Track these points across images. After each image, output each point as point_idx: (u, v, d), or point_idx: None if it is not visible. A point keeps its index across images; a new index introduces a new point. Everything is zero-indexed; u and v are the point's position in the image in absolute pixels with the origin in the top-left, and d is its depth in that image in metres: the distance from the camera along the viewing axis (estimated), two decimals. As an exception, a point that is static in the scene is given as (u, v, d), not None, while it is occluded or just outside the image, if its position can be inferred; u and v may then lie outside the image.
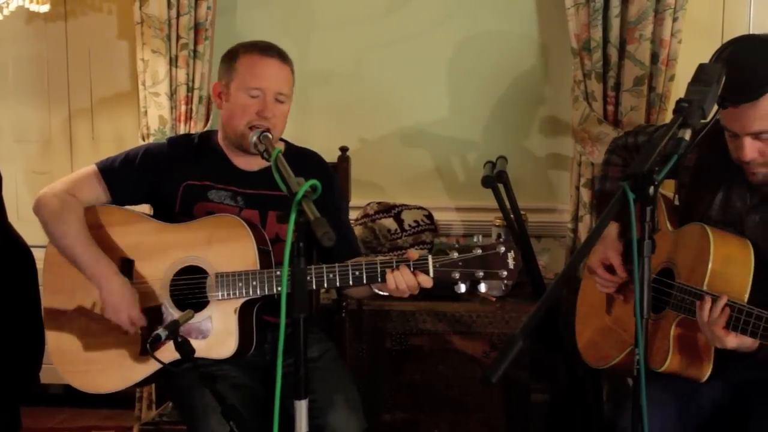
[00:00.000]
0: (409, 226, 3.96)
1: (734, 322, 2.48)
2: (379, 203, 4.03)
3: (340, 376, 2.98)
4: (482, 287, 2.68)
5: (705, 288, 2.59)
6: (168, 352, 2.63)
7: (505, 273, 2.66)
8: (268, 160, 2.44)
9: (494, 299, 3.64)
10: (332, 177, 3.21)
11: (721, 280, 2.58)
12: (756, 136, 2.50)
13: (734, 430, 2.66)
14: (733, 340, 2.49)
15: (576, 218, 3.95)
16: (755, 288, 2.56)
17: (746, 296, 2.54)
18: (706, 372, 2.64)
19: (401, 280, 2.69)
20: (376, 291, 2.98)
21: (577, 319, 3.19)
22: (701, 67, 2.24)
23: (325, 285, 2.78)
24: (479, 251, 2.66)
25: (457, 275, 2.66)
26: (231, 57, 3.01)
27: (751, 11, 3.96)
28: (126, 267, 2.93)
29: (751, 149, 2.52)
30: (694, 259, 2.68)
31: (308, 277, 2.75)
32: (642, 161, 1.98)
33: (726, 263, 2.61)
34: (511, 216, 3.54)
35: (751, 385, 2.73)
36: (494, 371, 1.71)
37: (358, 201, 3.91)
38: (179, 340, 2.53)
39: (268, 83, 2.92)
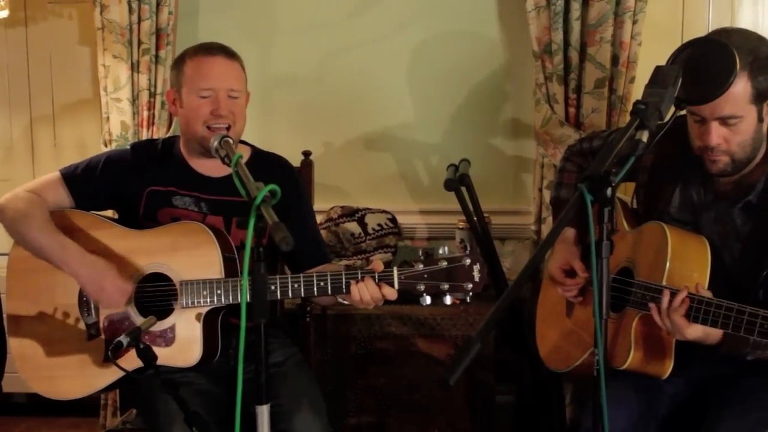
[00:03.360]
0: (373, 229, 3.96)
1: (694, 312, 2.52)
2: (342, 207, 4.03)
3: (305, 380, 2.98)
4: (447, 299, 2.68)
5: (665, 284, 2.63)
6: (132, 359, 2.61)
7: (471, 286, 2.66)
8: (229, 165, 2.43)
9: (458, 302, 3.64)
10: (299, 182, 3.21)
11: (679, 277, 2.62)
12: (723, 121, 2.55)
13: (694, 426, 2.69)
14: (693, 331, 2.53)
15: (539, 220, 3.97)
16: (712, 284, 2.60)
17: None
18: (668, 368, 2.68)
19: (366, 292, 2.69)
20: (341, 301, 2.98)
21: (538, 326, 3.21)
22: (658, 70, 2.27)
23: (290, 295, 2.78)
24: (445, 263, 2.66)
25: (422, 287, 2.66)
26: (179, 63, 3.01)
27: (709, 13, 4.00)
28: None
29: (716, 134, 2.57)
30: (652, 258, 2.71)
31: (272, 287, 2.75)
32: (599, 163, 2.00)
33: (684, 260, 2.65)
34: (474, 219, 3.55)
35: (712, 381, 2.76)
36: (452, 373, 1.72)
37: (322, 205, 3.90)
38: (141, 346, 2.52)
39: (216, 82, 2.92)
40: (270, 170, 3.05)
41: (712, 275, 2.62)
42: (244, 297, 2.01)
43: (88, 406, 3.95)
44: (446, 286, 2.66)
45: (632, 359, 2.70)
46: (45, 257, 2.87)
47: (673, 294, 2.55)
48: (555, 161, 3.81)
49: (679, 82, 2.23)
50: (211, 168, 3.00)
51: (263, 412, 2.08)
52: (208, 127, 2.90)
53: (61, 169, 3.06)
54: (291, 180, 3.13)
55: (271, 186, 2.05)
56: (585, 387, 3.74)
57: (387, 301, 2.74)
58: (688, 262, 2.65)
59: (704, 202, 2.76)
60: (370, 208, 4.03)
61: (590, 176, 1.97)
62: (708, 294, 2.54)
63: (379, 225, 3.98)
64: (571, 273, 2.95)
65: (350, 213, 4.00)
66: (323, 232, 3.90)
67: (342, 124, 4.25)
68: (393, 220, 4.04)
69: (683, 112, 2.62)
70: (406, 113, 4.23)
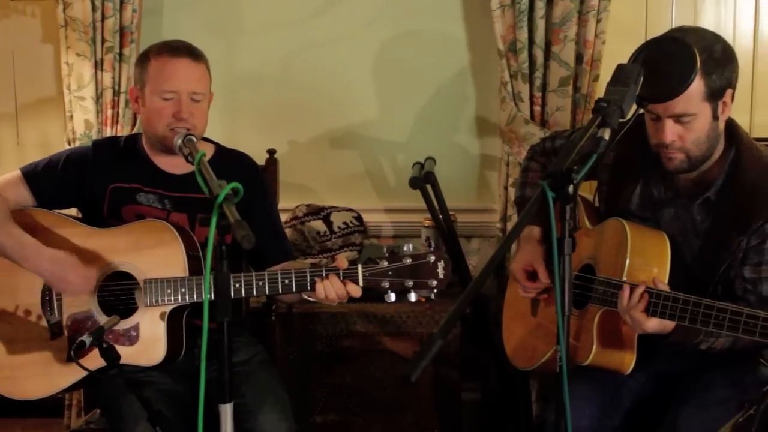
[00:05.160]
0: (339, 228, 3.96)
1: (653, 307, 2.56)
2: (308, 205, 4.02)
3: (269, 378, 2.98)
4: (412, 296, 2.69)
5: (624, 280, 2.65)
6: (95, 359, 2.60)
7: (435, 282, 2.68)
8: (192, 163, 2.42)
9: (424, 300, 3.65)
10: (263, 178, 3.21)
11: (639, 272, 2.66)
12: (677, 119, 2.58)
13: (657, 420, 2.72)
14: (652, 325, 2.57)
15: (505, 218, 3.98)
16: (672, 279, 2.64)
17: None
18: (630, 363, 2.71)
19: (330, 289, 2.69)
20: (306, 298, 2.98)
21: (504, 323, 3.23)
22: (620, 68, 2.28)
23: (255, 293, 2.78)
24: (409, 260, 2.67)
25: (386, 284, 2.68)
26: (143, 60, 2.99)
27: (673, 13, 4.03)
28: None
29: (671, 131, 2.60)
30: (613, 254, 2.75)
31: (237, 285, 2.75)
32: (561, 160, 2.00)
33: (643, 256, 2.69)
34: (440, 217, 3.56)
35: (674, 376, 2.80)
36: (413, 370, 1.72)
37: (287, 203, 3.90)
38: (104, 346, 2.51)
39: (180, 85, 2.91)
40: (233, 167, 3.05)
41: (672, 271, 2.66)
42: (206, 295, 2.01)
43: (52, 407, 3.92)
44: (411, 283, 2.67)
45: (595, 355, 2.73)
46: (4, 255, 2.84)
47: (632, 289, 2.58)
48: (520, 159, 3.82)
49: (641, 81, 2.25)
50: (175, 165, 2.99)
51: (226, 411, 2.08)
52: (171, 129, 2.89)
53: (22, 168, 3.04)
54: (255, 177, 3.13)
55: (234, 184, 2.05)
56: (550, 384, 3.75)
57: (352, 299, 2.75)
58: (647, 258, 2.69)
59: (664, 199, 2.80)
60: (336, 207, 4.03)
61: (552, 174, 1.98)
62: (665, 287, 2.57)
63: (344, 223, 3.98)
64: (533, 275, 2.97)
65: (316, 211, 3.99)
66: (289, 231, 3.90)
67: (307, 122, 4.24)
68: (359, 218, 4.04)
69: (644, 110, 2.64)
70: (372, 111, 4.23)
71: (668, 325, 2.58)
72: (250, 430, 2.77)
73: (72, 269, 2.80)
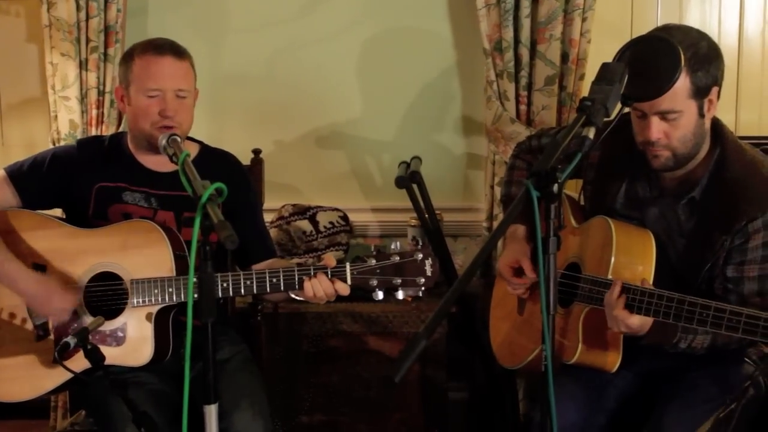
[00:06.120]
0: (325, 227, 3.96)
1: (637, 303, 2.56)
2: (294, 205, 4.01)
3: (247, 378, 2.97)
4: (399, 294, 2.70)
5: (610, 278, 2.66)
6: (81, 360, 2.60)
7: (423, 280, 2.69)
8: (176, 163, 2.42)
9: (410, 299, 3.65)
10: (247, 177, 3.21)
11: (625, 270, 2.66)
12: (663, 116, 2.58)
13: (643, 419, 2.72)
14: (633, 322, 2.57)
15: (491, 217, 3.98)
16: (657, 278, 2.64)
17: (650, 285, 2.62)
18: (616, 362, 2.71)
19: (319, 288, 2.70)
20: (293, 296, 2.97)
21: (491, 322, 3.23)
22: (604, 67, 2.28)
23: (242, 292, 2.78)
24: (397, 258, 2.68)
25: (374, 282, 2.69)
26: (127, 59, 2.99)
27: (658, 11, 4.05)
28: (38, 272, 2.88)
29: (657, 129, 2.60)
30: (599, 252, 2.75)
31: (224, 284, 2.75)
32: (546, 159, 2.00)
33: (629, 254, 2.69)
34: (426, 216, 3.56)
35: (659, 374, 2.81)
36: (397, 370, 1.72)
37: (273, 203, 3.89)
38: (89, 347, 2.50)
39: (164, 82, 2.90)
40: (218, 167, 3.05)
41: (658, 270, 2.66)
42: (190, 295, 2.00)
43: (37, 409, 3.91)
44: (398, 281, 2.68)
45: (580, 353, 2.73)
46: None
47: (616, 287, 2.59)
48: (506, 158, 3.82)
49: (626, 79, 2.25)
50: (160, 163, 2.98)
51: (211, 412, 2.07)
52: (157, 127, 2.88)
53: (6, 168, 3.02)
54: (239, 176, 3.14)
55: (217, 184, 2.05)
56: (537, 382, 3.76)
57: (339, 298, 2.76)
58: (633, 256, 2.69)
59: (650, 198, 2.80)
60: (322, 206, 4.02)
61: (537, 173, 1.98)
62: (650, 286, 2.57)
63: (330, 223, 3.98)
64: (519, 271, 2.97)
65: (302, 211, 3.99)
66: (275, 231, 3.89)
67: (293, 121, 4.23)
68: (345, 218, 4.04)
69: (629, 109, 2.65)
70: (358, 111, 4.23)
71: (648, 321, 2.58)
72: (225, 429, 2.75)
73: (56, 295, 2.81)
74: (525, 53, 3.79)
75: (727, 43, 3.99)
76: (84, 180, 3.00)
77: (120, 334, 2.82)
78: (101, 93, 3.97)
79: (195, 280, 2.02)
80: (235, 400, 2.82)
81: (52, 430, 4.01)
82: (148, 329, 2.81)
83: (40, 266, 2.88)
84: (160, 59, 2.93)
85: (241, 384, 2.91)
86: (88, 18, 3.91)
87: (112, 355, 2.73)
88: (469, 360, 3.84)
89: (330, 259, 2.73)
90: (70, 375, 2.74)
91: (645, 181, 2.80)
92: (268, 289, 2.76)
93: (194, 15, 4.21)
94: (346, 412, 3.70)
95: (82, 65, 3.96)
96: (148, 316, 2.81)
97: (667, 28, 2.64)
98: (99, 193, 2.99)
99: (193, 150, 3.06)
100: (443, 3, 4.12)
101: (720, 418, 2.28)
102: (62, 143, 3.93)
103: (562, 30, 3.77)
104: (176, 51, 2.96)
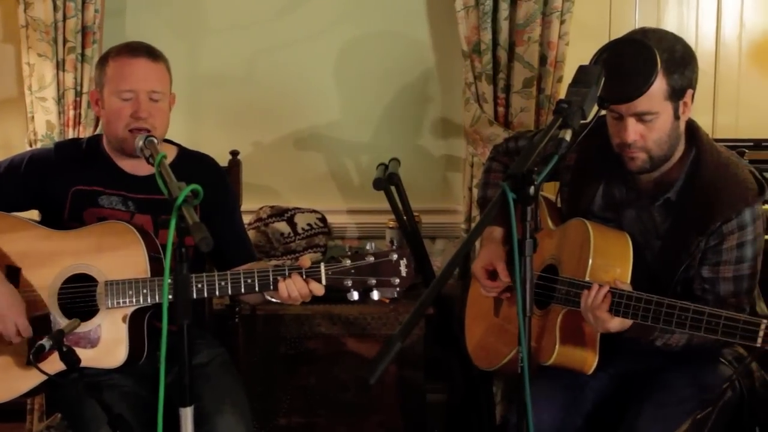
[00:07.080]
0: (303, 229, 3.95)
1: (616, 306, 2.57)
2: (272, 207, 4.01)
3: (228, 381, 2.96)
4: (375, 295, 2.70)
5: (587, 280, 2.66)
6: (56, 362, 2.58)
7: (398, 281, 2.69)
8: (153, 165, 2.41)
9: (388, 301, 3.65)
10: (225, 180, 3.20)
11: (602, 272, 2.67)
12: (639, 117, 2.60)
13: (618, 420, 2.73)
14: (615, 324, 2.59)
15: (469, 219, 3.99)
16: (634, 279, 2.66)
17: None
18: (592, 363, 2.72)
19: (293, 288, 2.69)
20: (269, 298, 2.96)
21: (467, 324, 3.23)
22: (581, 69, 2.29)
23: (217, 293, 2.77)
24: (372, 259, 2.68)
25: (349, 283, 2.68)
26: (102, 63, 2.98)
27: (636, 14, 4.06)
28: (12, 275, 2.86)
29: (633, 131, 2.61)
30: (576, 254, 2.76)
31: (199, 285, 2.74)
32: (522, 162, 2.00)
33: (606, 256, 2.70)
34: (404, 218, 3.56)
35: (635, 376, 2.82)
36: (372, 373, 1.71)
37: (251, 205, 3.89)
38: (64, 349, 2.49)
39: (138, 84, 2.89)
40: (196, 169, 3.04)
41: (634, 271, 2.68)
42: (165, 297, 1.99)
43: (14, 411, 3.88)
44: (373, 281, 2.68)
45: (557, 355, 2.74)
46: None
47: (597, 289, 2.60)
48: (484, 160, 3.82)
49: (602, 81, 2.26)
50: (138, 166, 2.97)
51: (187, 415, 2.07)
52: (130, 130, 2.87)
53: (-19, 170, 3.01)
54: (217, 178, 3.12)
55: (193, 186, 2.04)
56: (514, 385, 3.76)
57: (316, 299, 2.75)
58: (610, 258, 2.70)
59: (626, 199, 2.81)
60: (300, 208, 4.02)
61: (513, 175, 1.98)
62: (628, 287, 2.59)
63: (308, 225, 3.97)
64: (493, 274, 2.97)
65: (279, 213, 3.98)
66: (252, 232, 3.89)
67: (271, 123, 4.23)
68: (323, 219, 4.03)
69: (605, 112, 2.66)
70: (336, 112, 4.22)
71: (628, 323, 2.60)
72: None
73: (14, 316, 2.78)
74: (503, 55, 3.80)
75: (704, 46, 4.01)
76: (60, 183, 2.98)
77: (94, 335, 2.80)
78: (78, 94, 3.95)
79: (170, 281, 2.01)
80: (218, 403, 2.81)
81: (28, 433, 3.98)
82: (123, 331, 2.79)
83: (14, 268, 2.86)
84: (134, 61, 2.92)
85: (222, 388, 2.90)
86: (65, 18, 3.89)
87: (87, 356, 2.71)
88: (446, 361, 3.84)
89: (305, 260, 2.73)
90: (43, 377, 2.72)
91: (621, 183, 2.82)
92: (242, 290, 2.75)
93: (172, 15, 4.20)
94: (324, 414, 3.69)
95: (59, 66, 3.94)
96: (123, 318, 2.79)
97: (643, 31, 2.65)
98: (75, 196, 2.98)
99: (170, 153, 3.05)
100: (422, 5, 4.13)
101: (697, 419, 2.29)
102: (39, 144, 3.92)
103: (541, 32, 3.77)
104: (151, 53, 2.95)
